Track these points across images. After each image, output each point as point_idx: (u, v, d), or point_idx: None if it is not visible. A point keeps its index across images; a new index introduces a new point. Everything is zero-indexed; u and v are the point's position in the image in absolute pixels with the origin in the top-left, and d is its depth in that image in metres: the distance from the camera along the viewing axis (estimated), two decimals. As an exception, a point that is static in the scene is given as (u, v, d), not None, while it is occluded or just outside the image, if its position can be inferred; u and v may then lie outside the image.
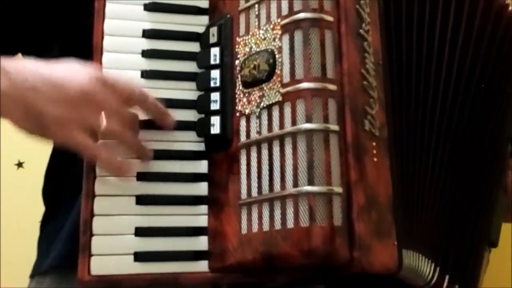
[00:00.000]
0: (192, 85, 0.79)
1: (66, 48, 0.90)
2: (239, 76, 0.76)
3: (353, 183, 0.70)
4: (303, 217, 0.66)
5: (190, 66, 0.80)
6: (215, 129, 0.76)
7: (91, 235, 0.73)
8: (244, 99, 0.75)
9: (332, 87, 0.71)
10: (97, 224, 0.73)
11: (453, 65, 0.86)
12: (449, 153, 0.83)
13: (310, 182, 0.67)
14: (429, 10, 0.85)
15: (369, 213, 0.70)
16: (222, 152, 0.76)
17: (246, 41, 0.76)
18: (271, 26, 0.74)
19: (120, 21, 0.80)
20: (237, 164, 0.74)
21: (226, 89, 0.77)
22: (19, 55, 0.92)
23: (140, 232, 0.74)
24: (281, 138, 0.70)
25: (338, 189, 0.68)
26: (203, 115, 0.78)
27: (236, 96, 0.76)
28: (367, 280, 0.74)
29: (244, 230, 0.72)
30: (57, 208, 0.91)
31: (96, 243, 0.73)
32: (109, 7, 0.80)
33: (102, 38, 0.79)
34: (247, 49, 0.76)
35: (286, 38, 0.72)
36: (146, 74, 0.79)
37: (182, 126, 0.78)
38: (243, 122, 0.75)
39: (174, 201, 0.76)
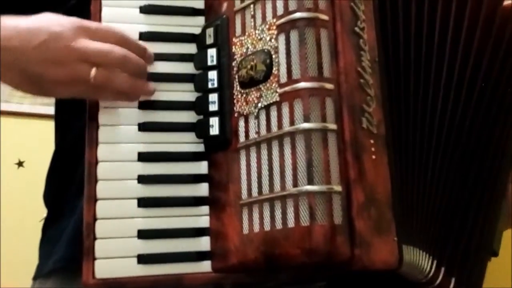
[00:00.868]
0: (190, 86, 0.80)
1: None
2: (236, 77, 0.76)
3: (352, 181, 0.70)
4: (303, 216, 0.67)
5: (187, 68, 0.80)
6: (214, 130, 0.77)
7: (94, 238, 0.74)
8: (242, 100, 0.75)
9: (329, 86, 0.71)
10: (100, 227, 0.74)
11: (455, 60, 0.84)
12: (447, 149, 0.83)
13: (310, 182, 0.68)
14: (428, 3, 0.83)
15: (368, 211, 0.70)
16: (221, 152, 0.77)
17: (243, 42, 0.77)
18: (267, 26, 0.74)
19: (116, 24, 0.79)
20: (237, 165, 0.75)
21: (224, 90, 0.77)
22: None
23: (143, 234, 0.74)
24: (280, 138, 0.70)
25: (338, 188, 0.69)
26: (201, 117, 0.78)
27: (234, 97, 0.76)
28: (368, 276, 0.75)
29: (245, 230, 0.72)
30: (58, 211, 0.91)
31: (100, 247, 0.73)
32: (105, 11, 0.80)
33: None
34: (244, 50, 0.76)
35: (282, 38, 0.72)
36: (145, 77, 0.79)
37: (181, 127, 0.78)
38: (241, 123, 0.75)
39: (176, 203, 0.76)
